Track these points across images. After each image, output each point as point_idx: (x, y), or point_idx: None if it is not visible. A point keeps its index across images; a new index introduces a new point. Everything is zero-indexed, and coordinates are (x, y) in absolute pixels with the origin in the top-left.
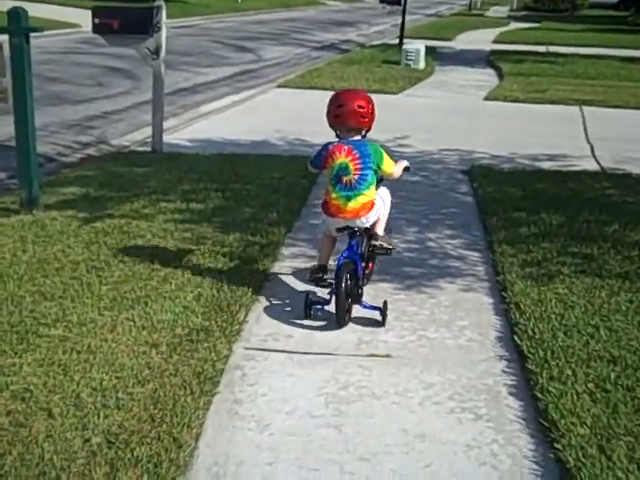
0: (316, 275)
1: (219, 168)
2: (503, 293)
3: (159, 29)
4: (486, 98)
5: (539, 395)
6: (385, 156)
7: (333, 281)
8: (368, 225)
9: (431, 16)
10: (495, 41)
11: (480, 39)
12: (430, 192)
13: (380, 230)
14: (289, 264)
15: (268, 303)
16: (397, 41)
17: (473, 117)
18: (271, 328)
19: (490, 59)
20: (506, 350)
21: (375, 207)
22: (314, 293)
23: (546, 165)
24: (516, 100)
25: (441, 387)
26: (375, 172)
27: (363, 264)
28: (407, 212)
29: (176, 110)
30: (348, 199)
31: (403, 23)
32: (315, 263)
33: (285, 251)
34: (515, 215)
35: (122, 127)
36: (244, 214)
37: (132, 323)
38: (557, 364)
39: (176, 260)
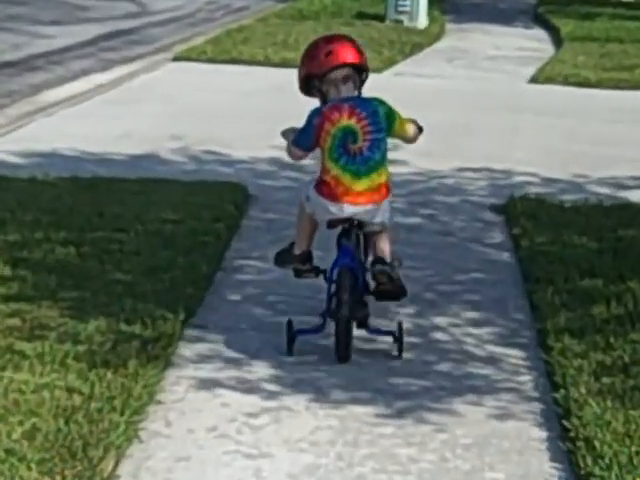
0: (299, 267)
1: (71, 203)
2: (565, 422)
3: None
4: (533, 79)
5: None
6: (397, 111)
7: (322, 269)
8: (378, 221)
9: None
10: None
11: None
12: (439, 244)
13: (387, 254)
14: (192, 373)
15: (155, 440)
16: None
17: (511, 112)
18: None
19: (539, 12)
20: None
21: (389, 197)
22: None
23: (637, 196)
24: (584, 83)
25: None
26: (387, 135)
27: (364, 276)
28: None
29: None
30: (359, 175)
31: None
32: (289, 243)
33: (186, 350)
34: (585, 284)
35: None
36: (114, 285)
37: None
38: None
39: None
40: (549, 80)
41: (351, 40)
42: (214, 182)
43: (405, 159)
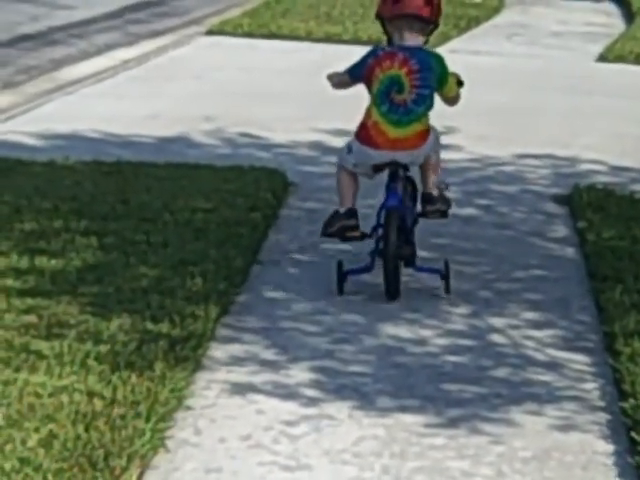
0: (346, 223)
1: (93, 190)
2: (634, 434)
3: None
4: (602, 58)
5: None
6: (450, 73)
7: (370, 232)
8: (419, 162)
9: None
10: None
11: None
12: (496, 238)
13: (434, 185)
14: (225, 377)
15: (183, 450)
16: None
17: (577, 94)
18: None
19: None
20: None
21: (430, 138)
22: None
23: None
24: None
25: None
26: (434, 91)
27: (413, 215)
28: (453, 276)
29: (12, 77)
30: (399, 125)
31: None
32: (333, 210)
33: (218, 352)
34: None
35: None
36: (139, 280)
37: None
38: None
39: (6, 369)
40: (619, 58)
41: None
42: (250, 168)
43: (459, 144)
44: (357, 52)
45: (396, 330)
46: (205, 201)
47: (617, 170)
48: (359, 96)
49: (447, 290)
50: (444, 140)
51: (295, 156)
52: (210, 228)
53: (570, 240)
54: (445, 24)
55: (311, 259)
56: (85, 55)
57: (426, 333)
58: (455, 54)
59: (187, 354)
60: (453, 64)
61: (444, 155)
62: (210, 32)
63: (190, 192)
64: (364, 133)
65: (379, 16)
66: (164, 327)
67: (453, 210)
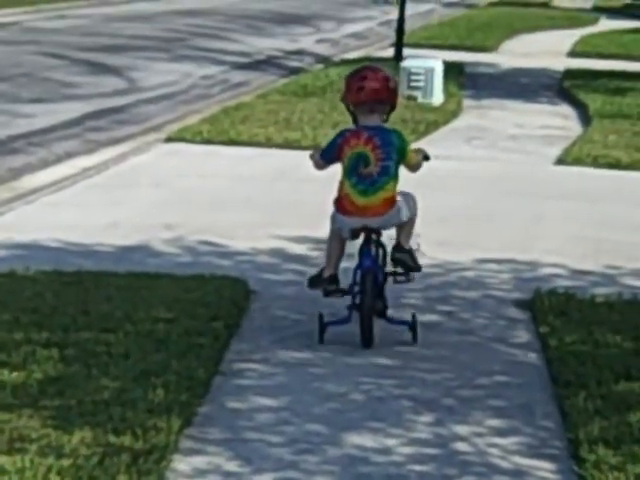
0: (327, 287)
1: (54, 301)
2: None
3: None
4: (559, 161)
5: None
6: (409, 145)
7: (348, 289)
8: (389, 226)
9: (454, 5)
10: (573, 53)
11: (545, 49)
12: (458, 344)
13: (405, 241)
14: None
15: None
16: (392, 53)
17: (536, 197)
18: None
19: (565, 87)
20: None
21: (397, 205)
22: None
23: None
24: (615, 165)
25: None
26: (398, 163)
27: (384, 274)
28: (414, 384)
29: None
30: (367, 194)
31: (402, 19)
32: (320, 268)
33: (181, 464)
34: (620, 389)
35: None
36: (101, 392)
37: None
38: None
39: None
40: (577, 161)
41: (384, 78)
42: (211, 276)
43: (421, 250)
44: None
45: (360, 439)
46: (166, 311)
47: (578, 274)
48: (320, 202)
49: (414, 340)
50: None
51: (256, 264)
52: (172, 338)
53: (533, 345)
54: (404, 128)
55: (273, 369)
56: (45, 163)
57: (390, 442)
58: None
59: (150, 467)
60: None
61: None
62: (169, 139)
63: (151, 302)
64: (339, 203)
65: (345, 101)
66: (126, 440)
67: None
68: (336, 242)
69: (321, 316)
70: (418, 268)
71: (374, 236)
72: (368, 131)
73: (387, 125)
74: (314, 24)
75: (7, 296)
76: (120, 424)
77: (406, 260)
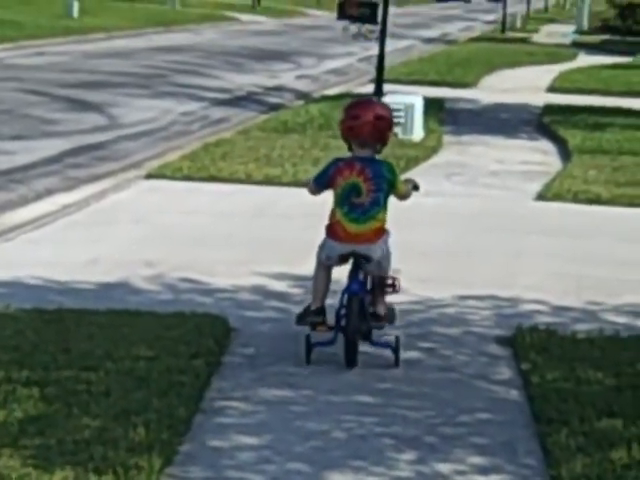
0: (314, 319)
1: (34, 339)
2: None
3: None
4: (540, 197)
5: None
6: (399, 177)
7: (334, 325)
8: (376, 255)
9: (433, 42)
10: (552, 89)
11: (524, 85)
12: (439, 381)
13: (381, 305)
14: None
15: None
16: (372, 88)
17: (516, 233)
18: None
19: (544, 122)
20: None
21: (384, 237)
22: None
23: None
24: (596, 200)
25: None
26: (387, 194)
27: (369, 298)
28: (396, 422)
29: None
30: (358, 222)
31: (382, 55)
32: (307, 305)
33: None
34: (602, 425)
35: None
36: (81, 430)
37: None
38: None
39: None
40: (557, 197)
41: (377, 117)
42: (192, 314)
43: (402, 286)
44: (297, 194)
45: (342, 478)
46: (147, 349)
47: (559, 310)
48: (300, 238)
49: (396, 363)
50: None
51: (237, 301)
52: (152, 377)
53: (514, 382)
54: None
55: (254, 407)
56: (25, 200)
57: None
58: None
59: None
60: (391, 205)
61: (388, 299)
62: (150, 176)
63: (132, 340)
64: (331, 229)
65: (340, 131)
66: (108, 479)
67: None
68: (323, 274)
69: (308, 337)
70: (392, 319)
71: (362, 262)
72: (361, 162)
73: (379, 157)
74: (294, 60)
75: None
76: (101, 463)
77: (382, 326)
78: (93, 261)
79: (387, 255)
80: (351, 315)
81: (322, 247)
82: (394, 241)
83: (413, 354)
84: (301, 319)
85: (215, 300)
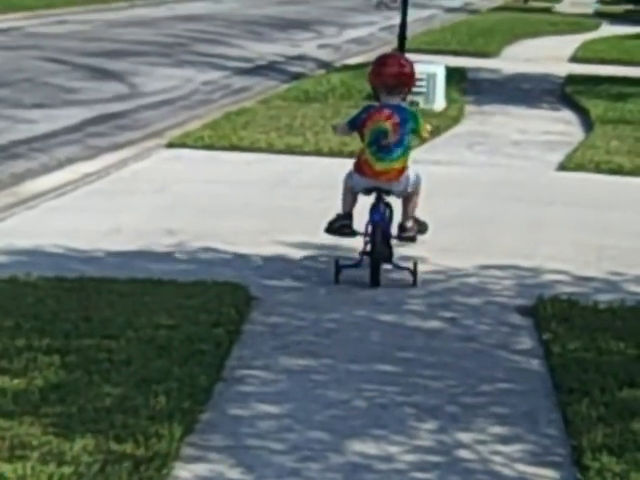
0: (343, 222)
1: (55, 307)
2: None
3: None
4: (561, 167)
5: None
6: (422, 121)
7: (357, 231)
8: (396, 191)
9: (455, 11)
10: (575, 59)
11: (547, 55)
12: (460, 351)
13: (408, 217)
14: None
15: None
16: None
17: (538, 203)
18: None
19: (567, 92)
20: None
21: (406, 173)
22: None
23: None
24: (618, 171)
25: None
26: (411, 138)
27: (390, 228)
28: (417, 391)
29: None
30: (383, 162)
31: (404, 25)
32: (338, 212)
33: (183, 472)
34: (623, 395)
35: None
36: (102, 399)
37: None
38: None
39: None
40: (579, 167)
41: (401, 64)
42: (213, 283)
43: (423, 256)
44: (319, 163)
45: (363, 447)
46: (168, 317)
47: (581, 280)
48: (321, 208)
49: (414, 283)
50: (408, 252)
51: (258, 269)
52: (173, 345)
53: (535, 352)
54: None
55: (275, 376)
56: (46, 169)
57: (393, 449)
58: (416, 164)
59: (151, 474)
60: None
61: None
62: (171, 145)
63: (153, 308)
64: (358, 165)
65: (369, 82)
66: (128, 447)
67: (417, 323)
68: (350, 194)
69: (337, 260)
70: (424, 231)
71: (383, 196)
72: (389, 109)
73: (404, 105)
74: (315, 29)
75: (8, 302)
76: (122, 431)
77: (409, 235)
78: (114, 230)
79: (413, 181)
80: (375, 241)
81: (349, 177)
82: None
83: (434, 323)
84: (330, 226)
85: (236, 269)
